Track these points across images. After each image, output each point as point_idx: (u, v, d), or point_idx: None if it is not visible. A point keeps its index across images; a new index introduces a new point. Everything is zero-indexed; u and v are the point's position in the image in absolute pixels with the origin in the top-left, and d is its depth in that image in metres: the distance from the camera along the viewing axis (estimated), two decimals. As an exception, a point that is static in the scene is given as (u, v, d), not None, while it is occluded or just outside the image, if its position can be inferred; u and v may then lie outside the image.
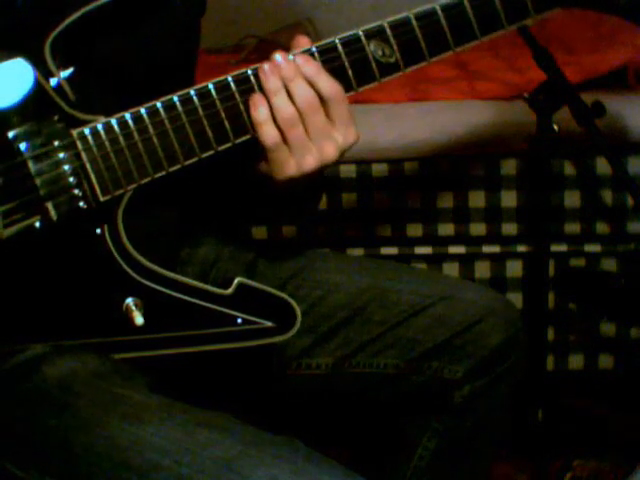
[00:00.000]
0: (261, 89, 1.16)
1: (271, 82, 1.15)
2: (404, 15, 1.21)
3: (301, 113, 1.16)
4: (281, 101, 1.15)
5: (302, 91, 1.15)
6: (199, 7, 1.35)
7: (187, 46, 1.34)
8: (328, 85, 1.16)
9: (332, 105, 1.17)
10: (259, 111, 1.15)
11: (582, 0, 1.31)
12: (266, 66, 1.15)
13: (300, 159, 1.17)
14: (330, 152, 1.17)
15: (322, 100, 1.16)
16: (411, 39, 1.21)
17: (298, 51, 1.17)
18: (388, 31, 1.20)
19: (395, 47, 1.20)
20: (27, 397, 1.09)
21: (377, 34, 1.20)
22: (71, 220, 1.11)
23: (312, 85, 1.16)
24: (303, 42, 1.18)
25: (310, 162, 1.17)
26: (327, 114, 1.17)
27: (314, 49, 1.18)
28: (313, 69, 1.16)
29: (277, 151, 1.16)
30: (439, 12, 1.21)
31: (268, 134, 1.16)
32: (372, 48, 1.20)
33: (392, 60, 1.21)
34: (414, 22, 1.20)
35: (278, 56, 1.16)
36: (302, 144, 1.16)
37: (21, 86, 1.10)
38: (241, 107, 1.16)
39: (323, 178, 1.26)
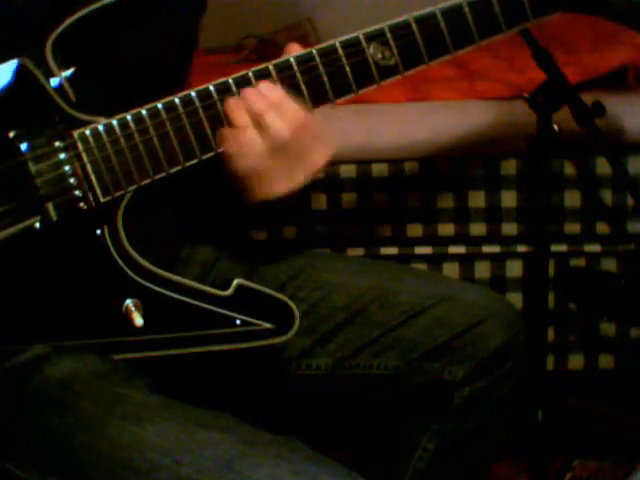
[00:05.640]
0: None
1: (241, 118, 1.16)
2: (404, 18, 1.21)
3: (275, 146, 1.16)
4: (253, 136, 1.16)
5: (278, 126, 1.15)
6: (200, 7, 1.35)
7: (187, 46, 1.34)
8: (295, 113, 1.16)
9: (301, 132, 1.17)
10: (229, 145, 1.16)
11: (580, 5, 1.32)
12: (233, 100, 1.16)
13: (269, 187, 1.18)
14: (301, 178, 1.18)
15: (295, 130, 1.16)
16: (410, 42, 1.21)
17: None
18: (388, 34, 1.20)
19: (395, 50, 1.21)
20: (28, 397, 1.10)
21: (377, 37, 1.20)
22: (71, 221, 1.11)
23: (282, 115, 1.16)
24: (294, 49, 1.19)
25: (279, 189, 1.18)
26: (298, 141, 1.17)
27: (314, 51, 1.18)
28: (279, 97, 1.16)
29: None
30: (439, 16, 1.22)
31: (237, 164, 1.17)
32: (372, 51, 1.20)
33: (391, 63, 1.21)
34: (414, 25, 1.21)
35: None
36: (273, 174, 1.17)
37: (4, 84, 1.10)
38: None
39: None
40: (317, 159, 1.18)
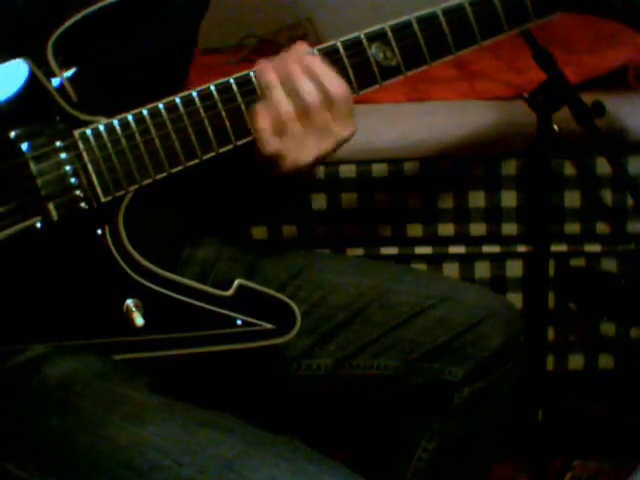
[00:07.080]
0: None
1: (270, 76, 1.16)
2: (405, 18, 1.21)
3: (303, 110, 1.16)
4: (280, 96, 1.16)
5: (306, 88, 1.16)
6: (201, 7, 1.35)
7: (187, 46, 1.34)
8: (336, 85, 1.17)
9: (337, 104, 1.17)
10: (260, 120, 1.16)
11: (581, 5, 1.32)
12: (264, 62, 1.16)
13: (297, 153, 1.17)
14: (327, 146, 1.18)
15: (328, 99, 1.16)
16: (412, 43, 1.22)
17: (304, 51, 1.18)
18: (389, 34, 1.20)
19: (396, 50, 1.21)
20: (28, 397, 1.10)
21: (378, 37, 1.20)
22: (72, 221, 1.12)
23: (318, 83, 1.16)
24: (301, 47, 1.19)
25: (307, 157, 1.18)
26: (330, 111, 1.17)
27: (316, 51, 1.18)
28: (320, 67, 1.17)
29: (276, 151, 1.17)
30: (440, 16, 1.22)
31: (268, 143, 1.16)
32: (373, 51, 1.20)
33: (393, 63, 1.21)
34: (415, 26, 1.21)
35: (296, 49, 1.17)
36: (300, 140, 1.17)
37: (17, 87, 1.10)
38: (243, 109, 1.16)
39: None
40: (344, 128, 1.18)
